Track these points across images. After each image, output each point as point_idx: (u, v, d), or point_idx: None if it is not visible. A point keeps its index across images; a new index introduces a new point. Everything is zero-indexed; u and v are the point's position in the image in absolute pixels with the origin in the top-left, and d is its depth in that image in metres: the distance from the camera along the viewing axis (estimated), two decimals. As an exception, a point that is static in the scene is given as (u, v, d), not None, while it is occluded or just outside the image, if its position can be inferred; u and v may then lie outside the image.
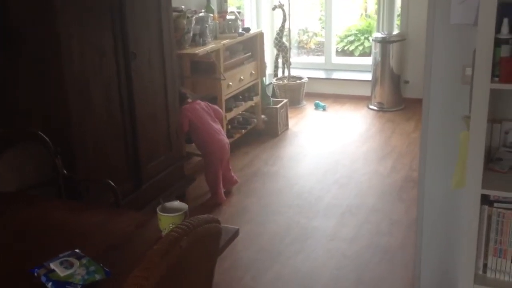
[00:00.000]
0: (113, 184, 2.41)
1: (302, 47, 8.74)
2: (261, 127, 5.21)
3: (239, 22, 4.81)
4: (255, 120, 5.15)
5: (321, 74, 6.63)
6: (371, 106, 6.00)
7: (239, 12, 4.91)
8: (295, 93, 6.11)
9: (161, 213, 1.77)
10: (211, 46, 4.32)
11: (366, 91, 6.12)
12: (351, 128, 5.45)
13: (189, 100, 3.97)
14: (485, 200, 2.18)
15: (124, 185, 3.14)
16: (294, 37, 7.98)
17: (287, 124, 5.45)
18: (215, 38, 4.55)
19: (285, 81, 6.16)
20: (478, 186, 2.10)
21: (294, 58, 7.53)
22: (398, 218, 3.61)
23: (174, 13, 4.14)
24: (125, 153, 3.14)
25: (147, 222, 1.86)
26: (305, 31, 9.00)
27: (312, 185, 4.19)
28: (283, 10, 6.02)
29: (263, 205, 3.88)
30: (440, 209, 2.59)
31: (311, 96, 6.35)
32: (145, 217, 1.94)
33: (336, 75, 6.58)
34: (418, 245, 2.71)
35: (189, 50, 4.18)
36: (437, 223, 2.61)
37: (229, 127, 4.78)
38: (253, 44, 5.05)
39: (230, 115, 4.69)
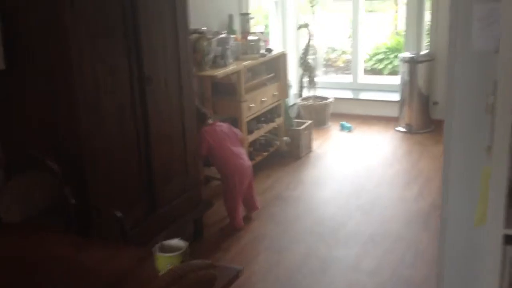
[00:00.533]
0: (120, 214, 2.34)
1: (331, 65, 8.64)
2: (283, 149, 5.11)
3: (262, 43, 4.74)
4: (278, 142, 5.05)
5: (348, 94, 6.50)
6: (398, 128, 5.83)
7: (262, 33, 4.85)
8: (320, 114, 6.00)
9: (158, 253, 1.68)
10: (232, 67, 4.26)
11: (394, 112, 5.96)
12: (377, 150, 5.30)
13: (210, 121, 3.90)
14: (509, 239, 2.03)
15: (137, 210, 3.08)
16: (322, 55, 7.90)
17: (310, 146, 5.33)
18: (237, 59, 4.49)
19: (310, 101, 6.05)
20: (500, 226, 1.95)
21: (321, 77, 7.43)
22: (424, 248, 3.44)
23: (195, 35, 4.11)
24: (138, 177, 3.07)
25: (146, 260, 1.77)
26: (333, 49, 8.91)
27: (334, 211, 4.05)
28: (309, 30, 5.94)
29: (282, 231, 3.76)
30: (464, 245, 2.43)
31: (338, 116, 6.21)
32: (146, 253, 1.85)
33: (363, 95, 6.44)
34: (439, 283, 2.55)
35: (209, 72, 4.12)
36: (461, 260, 2.45)
37: (251, 149, 4.69)
38: (276, 65, 4.97)
39: (251, 137, 4.60)
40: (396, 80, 6.04)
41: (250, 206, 3.98)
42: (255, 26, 6.32)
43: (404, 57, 5.73)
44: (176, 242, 1.74)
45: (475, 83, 2.20)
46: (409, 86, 5.66)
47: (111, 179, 2.85)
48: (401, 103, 5.81)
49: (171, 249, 1.71)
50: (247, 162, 3.92)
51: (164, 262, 1.66)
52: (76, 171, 2.67)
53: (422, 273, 3.19)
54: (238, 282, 3.14)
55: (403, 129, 5.77)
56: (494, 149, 1.89)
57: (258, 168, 4.76)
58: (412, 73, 5.62)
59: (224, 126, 3.94)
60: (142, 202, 3.11)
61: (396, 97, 5.94)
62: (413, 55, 5.66)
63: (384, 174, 4.69)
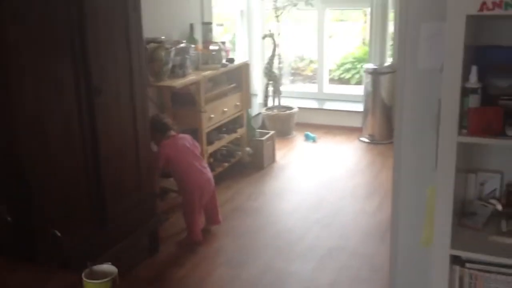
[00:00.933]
0: (58, 234, 2.24)
1: (299, 74, 8.63)
2: (246, 160, 5.05)
3: (224, 53, 4.68)
4: (240, 153, 4.99)
5: (313, 104, 6.48)
6: (362, 138, 5.83)
7: (223, 43, 4.78)
8: (285, 124, 5.96)
9: (85, 279, 1.60)
10: (191, 78, 4.18)
11: (358, 122, 5.96)
12: (341, 161, 5.28)
13: (172, 133, 3.80)
14: (457, 259, 2.01)
15: (86, 227, 2.98)
16: (290, 64, 7.87)
17: (274, 157, 5.29)
18: (197, 69, 4.42)
19: (275, 111, 6.01)
20: (447, 246, 1.93)
21: (287, 86, 7.41)
22: (380, 263, 3.41)
23: (152, 44, 4.03)
24: (88, 193, 2.97)
25: (76, 286, 1.68)
26: (302, 58, 8.90)
27: (294, 223, 4.00)
28: (273, 39, 5.90)
29: (240, 245, 3.70)
30: (414, 265, 2.40)
31: (303, 126, 6.19)
32: (74, 279, 1.76)
33: (328, 105, 6.43)
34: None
35: (168, 82, 4.04)
36: (412, 280, 2.42)
37: (212, 160, 4.62)
38: (239, 75, 4.92)
39: (212, 148, 4.53)
40: (361, 90, 6.04)
41: (212, 220, 3.90)
42: (224, 35, 6.28)
43: (367, 68, 5.73)
44: (107, 267, 1.66)
45: (424, 101, 2.18)
46: (372, 97, 5.67)
47: (56, 197, 2.74)
48: (364, 113, 5.82)
49: (102, 274, 1.63)
50: (208, 176, 3.84)
51: (92, 289, 1.58)
52: (17, 191, 2.56)
53: (377, 289, 3.16)
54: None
55: (366, 140, 5.77)
56: (439, 168, 1.87)
57: (219, 179, 4.68)
58: (375, 84, 5.62)
59: (187, 139, 3.84)
60: (91, 219, 3.00)
61: (360, 107, 5.94)
62: (376, 67, 5.67)
63: (346, 186, 4.67)
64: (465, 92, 1.81)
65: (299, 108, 6.18)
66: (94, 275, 1.63)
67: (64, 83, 2.75)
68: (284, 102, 6.21)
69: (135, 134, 3.32)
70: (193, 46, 4.42)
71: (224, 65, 4.58)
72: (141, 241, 3.58)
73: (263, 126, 6.00)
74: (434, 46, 2.05)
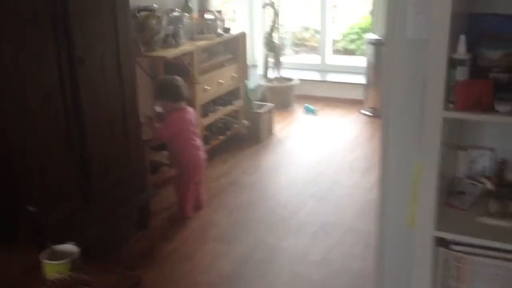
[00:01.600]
0: (34, 210, 2.16)
1: (304, 45, 8.45)
2: (243, 133, 4.95)
3: (219, 23, 4.54)
4: (236, 126, 4.89)
5: (315, 75, 6.34)
6: (363, 111, 5.70)
7: (219, 12, 4.64)
8: (285, 96, 5.84)
9: (44, 260, 1.53)
10: (184, 47, 4.07)
11: (360, 95, 5.82)
12: (340, 134, 5.17)
13: (183, 105, 3.63)
14: (442, 241, 1.91)
15: (73, 201, 2.92)
16: (295, 34, 7.70)
17: (272, 130, 5.18)
18: (191, 39, 4.30)
19: (275, 82, 5.88)
20: (430, 227, 1.83)
21: (290, 57, 7.25)
22: (374, 240, 3.32)
23: (143, 13, 3.91)
24: (73, 167, 2.90)
25: (38, 266, 1.61)
26: (306, 28, 8.71)
27: (288, 198, 3.93)
28: (274, 8, 5.74)
29: (232, 220, 3.63)
30: (402, 244, 2.31)
31: (304, 98, 6.06)
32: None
33: (330, 76, 6.29)
34: (378, 279, 2.45)
35: (159, 52, 3.93)
36: (400, 260, 2.33)
37: (207, 133, 4.53)
38: (236, 46, 4.79)
39: (206, 121, 4.44)
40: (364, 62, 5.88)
41: (197, 201, 3.76)
42: (225, 4, 6.12)
43: (370, 39, 5.57)
44: (69, 247, 1.59)
45: (413, 73, 2.06)
46: (375, 69, 5.51)
47: (42, 172, 2.67)
48: (366, 85, 5.67)
49: (63, 255, 1.56)
50: (203, 156, 3.72)
51: (51, 269, 1.51)
52: (2, 169, 2.50)
53: (371, 266, 3.08)
54: (176, 275, 3.03)
55: (367, 113, 5.64)
56: (423, 144, 1.76)
57: (215, 153, 4.61)
58: (377, 55, 5.46)
59: (192, 113, 3.67)
60: (76, 194, 2.94)
61: (363, 79, 5.79)
62: (379, 37, 5.50)
63: (344, 160, 4.57)
64: (453, 63, 1.69)
65: (301, 80, 6.04)
66: (55, 255, 1.55)
67: (45, 53, 2.65)
68: (286, 73, 6.07)
69: (122, 106, 3.23)
70: (187, 15, 4.29)
71: (219, 35, 4.45)
72: (131, 215, 3.52)
73: (263, 98, 5.88)
74: (423, 14, 1.92)
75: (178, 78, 3.63)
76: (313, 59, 7.04)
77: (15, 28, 2.46)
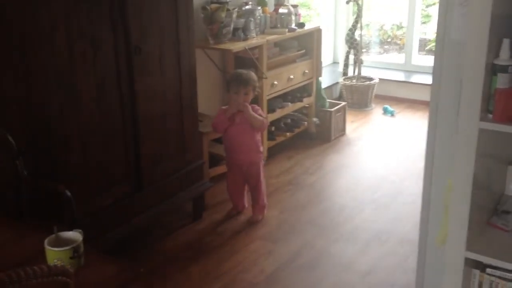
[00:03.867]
0: (68, 194, 2.22)
1: (394, 43, 8.15)
2: (312, 131, 4.83)
3: (293, 17, 4.45)
4: (305, 123, 4.78)
5: (398, 76, 6.07)
6: (444, 116, 5.37)
7: (295, 6, 4.54)
8: (363, 95, 5.63)
9: (46, 246, 1.54)
10: (252, 41, 4.02)
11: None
12: (416, 139, 4.89)
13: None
14: (478, 263, 1.73)
15: (121, 188, 2.97)
16: (386, 32, 7.45)
17: (344, 129, 5.02)
18: (263, 33, 4.25)
19: (354, 81, 5.69)
20: (461, 247, 1.66)
21: (374, 56, 7.02)
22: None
23: (213, 5, 3.91)
24: (124, 154, 2.95)
25: (41, 252, 1.62)
26: (399, 26, 8.39)
27: (346, 202, 3.78)
28: (358, 4, 5.55)
29: (284, 220, 3.55)
30: (438, 264, 2.13)
31: (385, 99, 5.83)
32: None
33: (415, 77, 5.99)
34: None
35: (227, 45, 3.91)
36: (436, 280, 2.15)
37: (273, 128, 4.47)
38: (310, 41, 4.67)
39: (273, 116, 4.37)
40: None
41: (253, 207, 3.58)
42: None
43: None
44: (73, 234, 1.59)
45: (457, 77, 1.87)
46: (460, 72, 5.16)
47: (89, 157, 2.73)
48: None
49: (66, 241, 1.57)
50: (250, 159, 3.46)
51: (52, 256, 1.52)
52: (45, 149, 2.59)
53: (419, 282, 2.89)
54: (218, 270, 3.01)
55: (449, 118, 5.31)
56: (456, 157, 1.59)
57: (280, 149, 4.55)
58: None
59: (255, 108, 3.46)
60: (126, 181, 2.98)
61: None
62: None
63: (414, 167, 4.31)
64: (494, 70, 1.51)
65: (382, 79, 5.81)
66: (59, 242, 1.57)
67: (101, 43, 2.70)
68: (367, 72, 5.86)
69: (180, 97, 3.24)
70: (259, 8, 4.24)
71: (291, 30, 4.36)
72: (184, 206, 3.55)
73: (340, 97, 5.73)
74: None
75: (251, 71, 3.52)
76: (398, 58, 6.76)
77: (69, 14, 2.52)
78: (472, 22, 1.45)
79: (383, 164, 4.40)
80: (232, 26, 3.97)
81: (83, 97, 2.67)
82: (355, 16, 5.69)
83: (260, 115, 3.43)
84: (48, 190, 2.33)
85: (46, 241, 1.56)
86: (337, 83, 5.78)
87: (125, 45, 2.83)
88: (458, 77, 1.88)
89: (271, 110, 4.33)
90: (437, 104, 2.01)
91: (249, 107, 3.36)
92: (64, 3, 2.49)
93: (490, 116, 1.53)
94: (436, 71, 1.96)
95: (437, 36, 1.92)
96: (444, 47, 1.91)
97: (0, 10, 2.48)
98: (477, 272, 1.73)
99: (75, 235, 1.59)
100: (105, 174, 2.86)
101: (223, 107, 3.49)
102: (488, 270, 1.70)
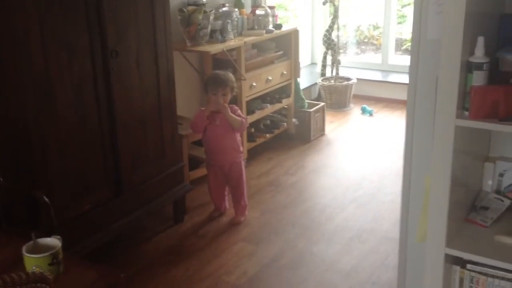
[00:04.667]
0: (46, 200, 2.19)
1: (371, 43, 8.22)
2: (292, 132, 4.85)
3: (270, 18, 4.46)
4: (285, 124, 4.80)
5: (375, 75, 6.12)
6: (422, 115, 5.42)
7: (271, 7, 4.55)
8: (342, 95, 5.67)
9: (24, 253, 1.52)
10: (230, 43, 4.02)
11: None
12: (394, 138, 4.94)
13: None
14: (458, 259, 1.75)
15: (102, 192, 2.94)
16: (362, 33, 7.50)
17: (323, 129, 5.04)
18: (240, 34, 4.25)
19: (332, 81, 5.72)
20: (441, 244, 1.68)
21: (351, 56, 7.07)
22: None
23: (190, 7, 3.90)
24: (102, 159, 2.92)
25: (19, 260, 1.60)
26: (375, 27, 8.46)
27: (327, 202, 3.79)
28: (334, 5, 5.58)
29: (266, 221, 3.55)
30: (420, 261, 2.15)
31: (363, 99, 5.88)
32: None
33: (392, 77, 6.04)
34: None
35: (204, 47, 3.90)
36: (418, 277, 2.17)
37: (253, 130, 4.47)
38: (287, 43, 4.68)
39: (253, 118, 4.37)
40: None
41: (235, 208, 3.57)
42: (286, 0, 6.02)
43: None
44: (51, 240, 1.57)
45: (433, 77, 1.89)
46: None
47: (67, 162, 2.69)
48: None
49: (45, 248, 1.55)
50: (231, 160, 3.47)
51: (30, 263, 1.50)
52: (21, 155, 2.55)
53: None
54: (201, 273, 2.99)
55: (426, 116, 5.37)
56: (433, 155, 1.61)
57: (261, 150, 4.55)
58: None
59: (234, 109, 3.47)
60: (106, 186, 2.95)
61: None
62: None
63: (393, 165, 4.35)
64: (469, 67, 1.53)
65: (360, 79, 5.86)
66: (37, 249, 1.54)
67: (76, 46, 2.67)
68: (346, 73, 5.90)
69: (158, 100, 3.22)
70: (237, 10, 4.24)
71: (269, 31, 4.36)
72: (165, 209, 3.53)
73: (318, 98, 5.75)
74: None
75: (228, 72, 3.53)
76: (375, 58, 6.82)
77: (43, 17, 2.48)
78: (447, 20, 1.47)
79: (362, 163, 4.42)
80: (209, 28, 3.96)
81: (60, 102, 2.63)
82: (331, 17, 5.73)
83: (239, 115, 3.43)
84: (25, 196, 2.29)
85: (24, 248, 1.54)
86: (316, 83, 5.80)
87: (102, 48, 2.80)
88: (434, 75, 1.90)
89: (250, 111, 4.33)
90: (414, 102, 2.03)
91: (228, 108, 3.36)
92: (38, 6, 2.45)
93: (466, 113, 1.55)
94: (413, 70, 1.98)
95: (412, 35, 1.93)
96: (420, 46, 1.93)
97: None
98: (457, 268, 1.75)
99: (53, 241, 1.57)
100: (83, 179, 2.82)
101: (202, 108, 3.49)
102: (469, 265, 1.72)
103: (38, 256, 1.50)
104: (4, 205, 2.27)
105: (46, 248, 1.54)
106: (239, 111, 3.49)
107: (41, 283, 1.21)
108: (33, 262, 1.49)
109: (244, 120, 3.46)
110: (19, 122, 2.53)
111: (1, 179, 2.23)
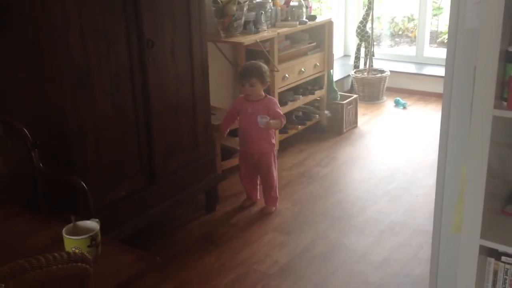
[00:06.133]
0: (83, 185, 2.25)
1: (406, 35, 8.12)
2: (324, 124, 4.84)
3: (304, 10, 4.44)
4: (317, 116, 4.79)
5: (410, 68, 6.04)
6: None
7: (307, -1, 4.54)
8: (375, 88, 5.62)
9: (65, 235, 1.57)
10: (263, 34, 4.03)
11: (456, 90, 5.45)
12: (427, 131, 4.88)
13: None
14: (493, 251, 1.73)
15: (135, 181, 3.00)
16: (398, 24, 7.40)
17: (356, 122, 5.02)
18: (274, 26, 4.25)
19: (365, 74, 5.68)
20: (476, 235, 1.66)
21: (386, 49, 6.99)
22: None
23: (225, -1, 3.91)
24: (137, 148, 2.98)
25: (59, 241, 1.65)
26: (410, 19, 8.35)
27: (359, 194, 3.78)
28: (369, -4, 5.53)
29: (297, 212, 3.56)
30: (453, 253, 2.13)
31: (396, 92, 5.82)
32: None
33: (426, 70, 5.96)
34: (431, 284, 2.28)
35: (238, 38, 3.92)
36: (451, 269, 2.15)
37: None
38: (321, 34, 4.67)
39: (285, 109, 4.36)
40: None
41: (265, 198, 3.61)
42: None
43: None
44: (90, 223, 1.62)
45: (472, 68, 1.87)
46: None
47: (102, 150, 2.75)
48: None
49: (84, 230, 1.59)
50: (261, 150, 3.49)
51: (70, 244, 1.55)
52: (60, 144, 2.61)
53: (433, 273, 2.89)
54: (232, 261, 3.03)
55: (461, 110, 5.28)
56: (470, 145, 1.60)
57: (292, 142, 4.56)
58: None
59: (273, 102, 3.53)
60: (140, 174, 3.01)
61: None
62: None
63: (427, 158, 4.31)
64: (508, 57, 1.50)
65: (394, 72, 5.79)
66: (77, 231, 1.59)
67: (114, 37, 2.72)
68: (379, 65, 5.85)
69: (192, 90, 3.26)
70: (271, 1, 4.24)
71: (302, 22, 4.35)
72: (197, 198, 3.57)
73: (351, 90, 5.72)
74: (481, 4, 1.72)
75: (257, 64, 3.55)
76: (409, 50, 6.74)
77: (82, 9, 2.53)
78: (486, 9, 1.45)
79: (395, 156, 4.39)
80: (243, 19, 3.97)
81: (97, 92, 2.69)
82: (366, 9, 5.68)
83: (277, 113, 3.45)
84: (62, 182, 2.35)
85: (64, 230, 1.59)
86: (348, 75, 5.77)
87: (138, 38, 2.85)
88: (470, 66, 1.88)
89: (282, 103, 4.32)
90: (450, 92, 2.00)
91: (271, 124, 3.39)
92: (77, -1, 2.51)
93: (505, 103, 1.53)
94: (449, 60, 1.96)
95: (450, 25, 1.91)
96: (457, 36, 1.90)
97: (15, 8, 2.51)
98: (492, 260, 1.73)
99: (92, 224, 1.62)
100: (119, 167, 2.88)
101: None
102: (503, 258, 1.70)
103: (78, 238, 1.55)
104: (45, 191, 2.33)
105: (85, 230, 1.59)
106: (277, 105, 3.51)
107: (81, 263, 1.25)
108: (72, 244, 1.54)
109: (282, 119, 3.48)
110: (58, 112, 2.60)
111: (42, 166, 2.29)
